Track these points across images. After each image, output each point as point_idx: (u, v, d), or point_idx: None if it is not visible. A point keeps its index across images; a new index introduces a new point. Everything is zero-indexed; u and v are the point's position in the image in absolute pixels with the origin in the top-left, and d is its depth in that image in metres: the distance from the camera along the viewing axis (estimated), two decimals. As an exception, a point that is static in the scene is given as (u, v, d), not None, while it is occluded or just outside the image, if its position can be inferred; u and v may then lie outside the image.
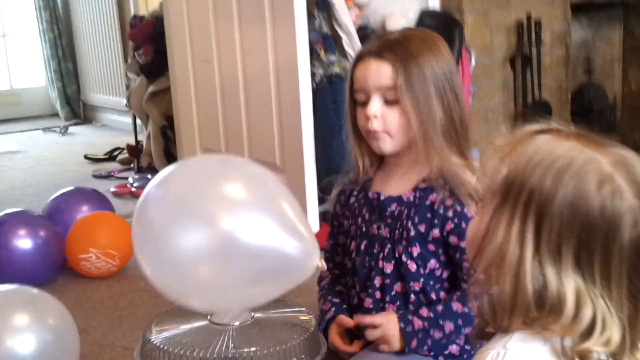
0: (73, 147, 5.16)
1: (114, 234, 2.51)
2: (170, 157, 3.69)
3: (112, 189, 3.71)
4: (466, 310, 1.25)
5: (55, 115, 6.38)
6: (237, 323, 1.19)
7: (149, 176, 3.38)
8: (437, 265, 1.30)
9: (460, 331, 1.27)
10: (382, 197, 1.33)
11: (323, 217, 2.56)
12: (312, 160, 2.51)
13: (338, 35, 2.66)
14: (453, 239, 1.27)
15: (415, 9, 2.81)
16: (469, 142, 1.32)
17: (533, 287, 0.76)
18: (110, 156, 4.61)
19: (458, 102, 1.30)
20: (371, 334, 1.28)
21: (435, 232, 1.28)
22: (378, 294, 1.32)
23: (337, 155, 2.39)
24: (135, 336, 1.89)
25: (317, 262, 1.11)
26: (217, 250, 1.06)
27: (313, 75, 2.54)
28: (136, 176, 3.83)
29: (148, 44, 3.78)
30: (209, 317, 1.21)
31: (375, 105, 1.29)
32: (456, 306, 1.26)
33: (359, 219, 1.36)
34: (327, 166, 2.47)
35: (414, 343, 1.26)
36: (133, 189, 3.67)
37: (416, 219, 1.29)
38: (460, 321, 1.26)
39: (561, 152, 0.78)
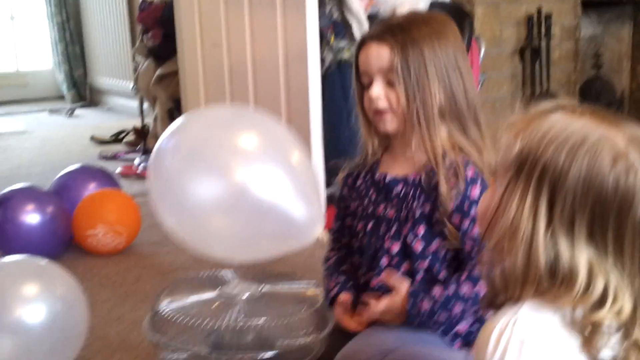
0: (79, 129, 5.16)
1: (122, 211, 2.51)
2: (177, 139, 3.68)
3: (119, 170, 3.71)
4: (477, 289, 1.26)
5: (61, 97, 6.38)
6: (245, 296, 1.20)
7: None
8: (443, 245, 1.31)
9: (467, 313, 1.27)
10: (388, 178, 1.35)
11: (330, 200, 2.57)
12: (320, 146, 2.51)
13: (348, 22, 2.66)
14: (455, 219, 1.29)
15: (426, 0, 2.81)
16: (479, 121, 1.33)
17: (545, 259, 0.77)
18: (117, 138, 4.61)
19: (464, 83, 1.31)
20: (376, 307, 1.29)
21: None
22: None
23: (345, 140, 2.39)
24: (142, 310, 1.89)
25: (320, 231, 1.12)
26: (229, 201, 1.07)
27: (322, 60, 2.55)
28: (143, 157, 3.84)
29: (157, 28, 3.78)
30: (218, 289, 1.22)
31: (377, 87, 1.31)
32: (466, 287, 1.26)
33: (366, 200, 1.37)
34: (335, 152, 2.47)
35: (416, 323, 1.27)
36: (139, 171, 3.68)
37: (421, 200, 1.30)
38: (470, 303, 1.26)
39: (575, 129, 0.78)
